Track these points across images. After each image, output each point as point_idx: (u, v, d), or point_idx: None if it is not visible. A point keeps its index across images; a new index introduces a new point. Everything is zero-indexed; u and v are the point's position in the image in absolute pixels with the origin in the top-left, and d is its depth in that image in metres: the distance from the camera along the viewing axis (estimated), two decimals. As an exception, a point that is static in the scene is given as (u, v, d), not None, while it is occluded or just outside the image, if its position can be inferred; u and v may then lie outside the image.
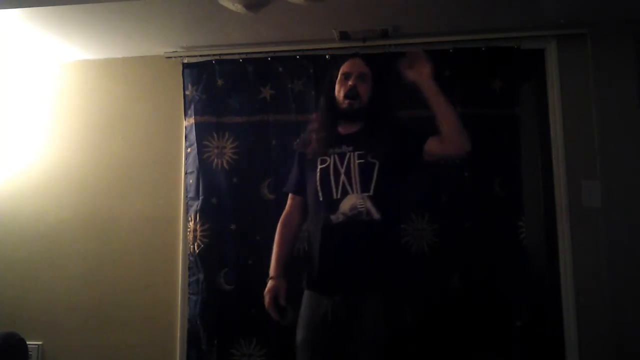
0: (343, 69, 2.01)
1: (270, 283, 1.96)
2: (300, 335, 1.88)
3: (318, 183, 1.90)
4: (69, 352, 2.72)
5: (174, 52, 2.78)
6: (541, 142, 2.64)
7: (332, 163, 1.90)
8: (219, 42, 2.70)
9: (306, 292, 1.93)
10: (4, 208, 2.87)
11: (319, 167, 1.92)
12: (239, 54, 2.69)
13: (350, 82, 1.95)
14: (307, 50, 2.64)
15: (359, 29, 2.55)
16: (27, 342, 2.41)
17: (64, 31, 2.58)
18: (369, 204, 1.82)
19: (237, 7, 2.27)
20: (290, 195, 2.11)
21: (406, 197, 2.05)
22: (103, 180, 2.83)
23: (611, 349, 2.36)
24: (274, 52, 2.67)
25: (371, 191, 1.83)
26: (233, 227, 2.58)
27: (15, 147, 2.92)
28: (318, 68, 2.60)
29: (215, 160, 2.64)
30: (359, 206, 1.81)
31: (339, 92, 1.97)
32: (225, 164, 2.63)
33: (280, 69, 2.65)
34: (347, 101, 1.94)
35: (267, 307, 1.93)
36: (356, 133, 1.95)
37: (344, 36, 2.60)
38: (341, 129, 1.98)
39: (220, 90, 2.69)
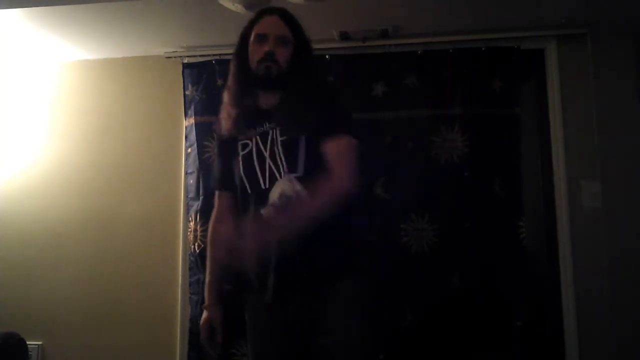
0: (258, 28, 1.61)
1: (204, 315, 1.71)
2: (254, 349, 1.65)
3: (242, 173, 1.59)
4: (69, 352, 2.72)
5: (174, 52, 2.78)
6: (541, 142, 2.64)
7: (254, 147, 1.58)
8: (219, 42, 2.70)
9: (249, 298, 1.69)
10: (4, 208, 2.87)
11: (241, 153, 1.61)
12: (239, 54, 2.69)
13: (266, 48, 1.57)
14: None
15: (359, 29, 2.55)
16: (27, 342, 2.41)
17: (64, 31, 2.58)
18: (298, 187, 1.50)
19: (237, 7, 2.27)
20: (217, 193, 1.77)
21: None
22: (103, 180, 2.82)
23: (611, 349, 2.36)
24: (274, 52, 2.67)
25: (299, 171, 1.52)
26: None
27: (15, 147, 2.92)
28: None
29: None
30: (287, 192, 1.50)
31: (253, 56, 1.60)
32: (225, 164, 2.63)
33: (280, 68, 2.65)
34: (263, 65, 1.57)
35: (202, 340, 1.71)
36: (276, 107, 1.61)
37: (344, 36, 2.60)
38: (262, 102, 1.63)
39: (220, 90, 2.66)
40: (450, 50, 2.55)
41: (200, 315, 2.49)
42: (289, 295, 1.55)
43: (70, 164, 2.86)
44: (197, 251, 2.59)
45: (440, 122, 2.53)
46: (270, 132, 1.57)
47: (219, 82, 2.68)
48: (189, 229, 2.64)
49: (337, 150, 1.53)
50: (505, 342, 2.38)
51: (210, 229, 1.77)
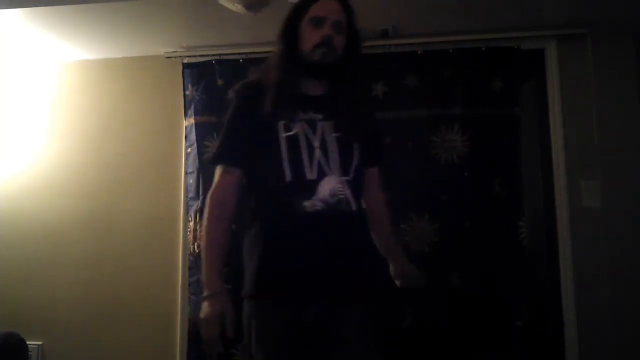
0: (314, 11, 1.51)
1: (209, 305, 1.39)
2: (259, 354, 1.43)
3: (285, 156, 1.43)
4: (69, 352, 2.72)
5: (174, 52, 2.78)
6: (541, 142, 2.64)
7: (301, 132, 1.45)
8: (219, 42, 2.70)
9: (250, 302, 1.47)
10: (4, 208, 2.87)
11: (283, 134, 1.45)
12: (239, 54, 2.69)
13: (324, 32, 1.48)
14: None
15: (358, 28, 2.54)
16: (27, 342, 2.42)
17: (64, 31, 2.58)
18: (347, 192, 1.44)
19: (237, 7, 2.27)
20: (222, 168, 1.53)
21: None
22: (103, 180, 2.83)
23: (611, 349, 2.36)
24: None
25: (350, 175, 1.46)
26: (233, 227, 2.56)
27: (15, 147, 2.92)
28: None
29: (215, 160, 2.64)
30: (339, 192, 1.42)
31: (308, 39, 1.49)
32: (225, 164, 2.63)
33: (280, 69, 2.65)
34: (320, 51, 1.47)
35: (206, 338, 1.38)
36: (322, 97, 1.52)
37: (344, 36, 2.60)
38: (305, 88, 1.52)
39: (220, 90, 2.68)
40: (450, 50, 2.55)
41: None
42: (313, 294, 1.40)
43: (70, 164, 2.86)
44: (197, 251, 2.59)
45: (440, 122, 2.53)
46: (319, 123, 1.47)
47: (219, 82, 2.68)
48: (189, 229, 2.64)
49: (378, 180, 1.65)
50: (505, 342, 2.37)
51: (213, 198, 1.53)
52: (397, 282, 1.70)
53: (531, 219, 2.51)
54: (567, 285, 2.46)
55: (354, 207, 1.45)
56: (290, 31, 1.53)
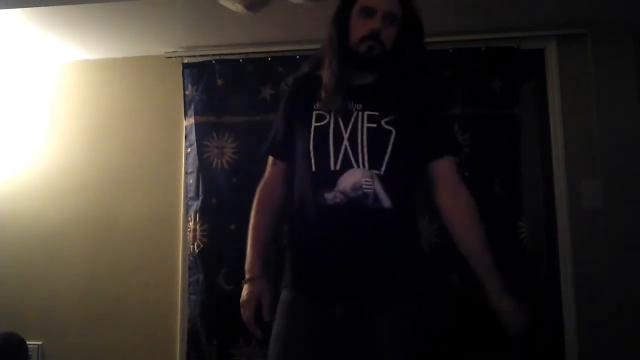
0: (365, 0, 1.45)
1: (248, 288, 1.46)
2: (275, 351, 1.41)
3: (311, 146, 1.43)
4: (69, 352, 2.72)
5: (174, 52, 2.78)
6: (541, 142, 2.64)
7: (332, 122, 1.42)
8: (219, 42, 2.70)
9: (285, 293, 1.47)
10: (4, 208, 2.87)
11: (314, 124, 1.44)
12: (239, 54, 2.69)
13: (374, 25, 1.41)
14: (307, 50, 2.63)
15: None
16: (27, 342, 2.41)
17: (64, 31, 2.58)
18: (377, 186, 1.37)
19: (237, 7, 2.27)
20: (271, 160, 1.60)
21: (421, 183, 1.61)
22: (103, 180, 2.82)
23: (611, 350, 2.36)
24: (274, 52, 2.67)
25: (382, 169, 1.39)
26: (233, 227, 2.58)
27: (15, 147, 2.92)
28: (318, 68, 2.60)
29: (215, 160, 2.64)
30: (364, 186, 1.36)
31: (355, 30, 1.44)
32: (225, 164, 2.63)
33: (280, 69, 2.65)
34: (366, 44, 1.42)
35: (245, 321, 1.44)
36: (368, 86, 1.47)
37: (344, 36, 2.60)
38: (354, 78, 1.47)
39: (220, 90, 2.69)
40: (450, 50, 2.55)
41: (201, 314, 2.54)
42: (335, 291, 1.37)
43: (70, 164, 2.86)
44: (197, 251, 2.59)
45: (441, 122, 2.52)
46: (355, 113, 1.42)
47: (219, 82, 2.69)
48: (189, 229, 2.64)
49: (451, 174, 1.54)
50: (505, 342, 2.37)
51: (260, 188, 1.58)
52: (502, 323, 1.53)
53: (531, 219, 2.51)
54: (567, 285, 2.46)
55: (386, 203, 1.38)
56: (340, 19, 1.48)
